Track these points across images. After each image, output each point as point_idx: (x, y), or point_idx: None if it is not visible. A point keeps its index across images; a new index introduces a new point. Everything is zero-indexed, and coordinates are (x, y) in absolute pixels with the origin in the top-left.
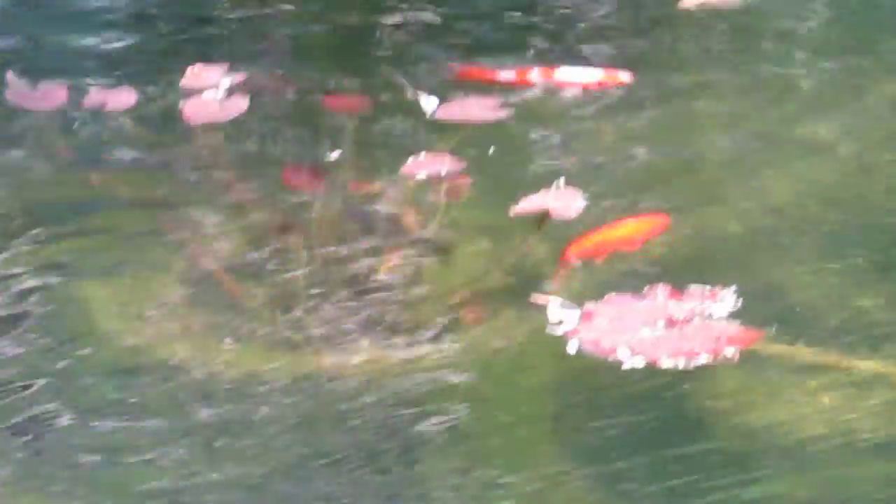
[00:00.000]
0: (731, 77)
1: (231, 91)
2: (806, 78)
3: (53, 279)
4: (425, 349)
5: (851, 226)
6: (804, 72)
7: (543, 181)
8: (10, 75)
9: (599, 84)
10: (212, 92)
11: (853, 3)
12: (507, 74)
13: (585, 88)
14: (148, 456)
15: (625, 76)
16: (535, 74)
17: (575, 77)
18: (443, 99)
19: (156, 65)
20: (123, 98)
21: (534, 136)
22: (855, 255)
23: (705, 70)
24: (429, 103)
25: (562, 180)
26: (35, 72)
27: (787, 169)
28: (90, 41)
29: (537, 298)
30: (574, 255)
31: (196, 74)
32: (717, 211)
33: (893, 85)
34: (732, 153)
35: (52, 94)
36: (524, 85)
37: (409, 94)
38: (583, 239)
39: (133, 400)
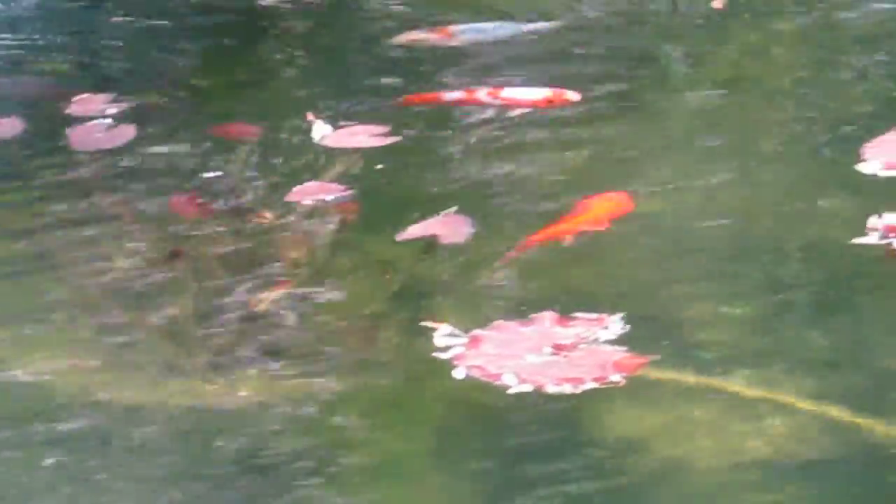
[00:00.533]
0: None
1: (119, 118)
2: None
3: None
4: (311, 378)
5: (740, 245)
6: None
7: (434, 206)
8: None
9: (548, 102)
10: (99, 119)
11: None
12: (454, 95)
13: (534, 107)
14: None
15: (573, 95)
16: (483, 94)
17: (522, 96)
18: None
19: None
20: (8, 127)
21: (428, 161)
22: (744, 276)
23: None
24: (319, 130)
25: (453, 208)
26: None
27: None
28: None
29: (427, 323)
30: (538, 239)
31: (83, 102)
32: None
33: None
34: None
35: None
36: (473, 104)
37: (310, 120)
38: (545, 230)
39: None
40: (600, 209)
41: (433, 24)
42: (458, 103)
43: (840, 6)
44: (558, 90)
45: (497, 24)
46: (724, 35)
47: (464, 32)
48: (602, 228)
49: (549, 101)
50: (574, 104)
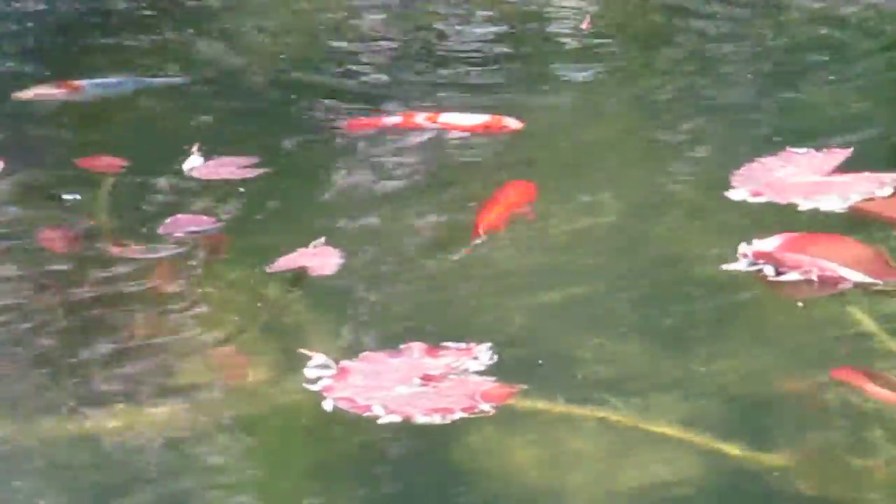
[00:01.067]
0: None
1: None
2: None
3: None
4: (180, 410)
5: (611, 273)
6: None
7: (305, 239)
8: None
9: (485, 128)
10: None
11: None
12: (393, 120)
13: (472, 132)
14: None
15: (512, 122)
16: (422, 118)
17: (460, 121)
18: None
19: None
20: None
21: (298, 192)
22: (614, 304)
23: None
24: (190, 162)
25: (321, 239)
26: None
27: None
28: None
29: (303, 351)
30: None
31: None
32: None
33: None
34: None
35: None
36: (412, 128)
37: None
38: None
39: None
40: (517, 195)
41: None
42: (398, 127)
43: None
44: (497, 117)
45: (121, 79)
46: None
47: (91, 87)
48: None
49: (487, 127)
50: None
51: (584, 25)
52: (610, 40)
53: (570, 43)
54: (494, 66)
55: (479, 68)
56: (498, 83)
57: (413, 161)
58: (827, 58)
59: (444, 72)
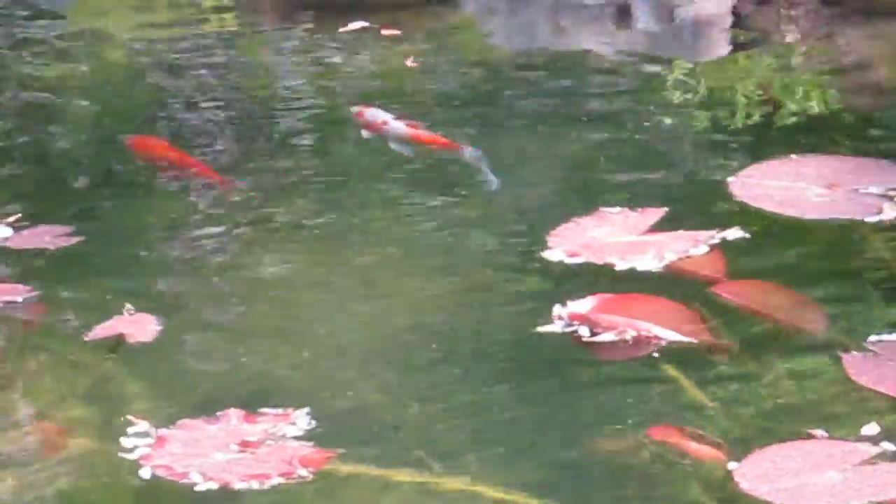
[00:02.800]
0: None
1: None
2: None
3: None
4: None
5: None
6: None
7: (114, 305)
8: None
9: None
10: None
11: None
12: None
13: None
14: None
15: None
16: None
17: None
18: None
19: None
20: None
21: (108, 258)
22: (433, 366)
23: None
24: (2, 232)
25: (129, 306)
26: None
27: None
28: None
29: (129, 417)
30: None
31: None
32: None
33: None
34: None
35: None
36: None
37: None
38: None
39: None
40: None
41: None
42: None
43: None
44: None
45: None
46: None
47: None
48: None
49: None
50: None
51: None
52: None
53: None
54: None
55: None
56: None
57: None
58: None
59: None
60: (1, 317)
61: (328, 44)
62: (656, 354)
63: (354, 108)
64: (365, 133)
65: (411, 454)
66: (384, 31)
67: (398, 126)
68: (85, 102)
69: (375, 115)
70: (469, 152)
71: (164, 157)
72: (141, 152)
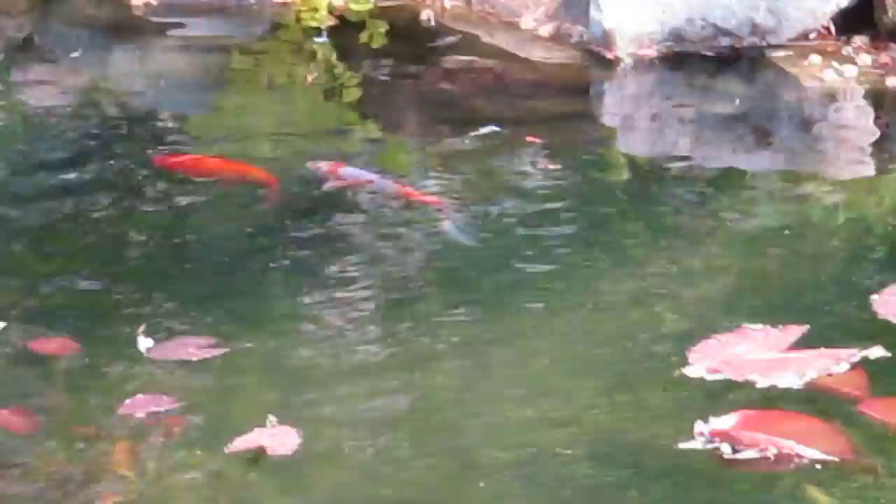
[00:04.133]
0: None
1: None
2: None
3: None
4: None
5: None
6: None
7: (259, 419)
8: None
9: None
10: None
11: None
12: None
13: None
14: None
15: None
16: None
17: None
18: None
19: None
20: None
21: (249, 368)
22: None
23: None
24: (144, 343)
25: (273, 418)
26: None
27: None
28: None
29: None
30: None
31: None
32: None
33: None
34: None
35: None
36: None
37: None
38: None
39: None
40: None
41: None
42: None
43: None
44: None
45: None
46: None
47: None
48: None
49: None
50: None
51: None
52: None
53: None
54: None
55: None
56: None
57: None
58: None
59: None
60: (143, 427)
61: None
62: (798, 472)
63: (321, 164)
64: (327, 186)
65: None
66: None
67: (387, 183)
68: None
69: (355, 173)
70: (450, 217)
71: (200, 167)
72: (175, 169)
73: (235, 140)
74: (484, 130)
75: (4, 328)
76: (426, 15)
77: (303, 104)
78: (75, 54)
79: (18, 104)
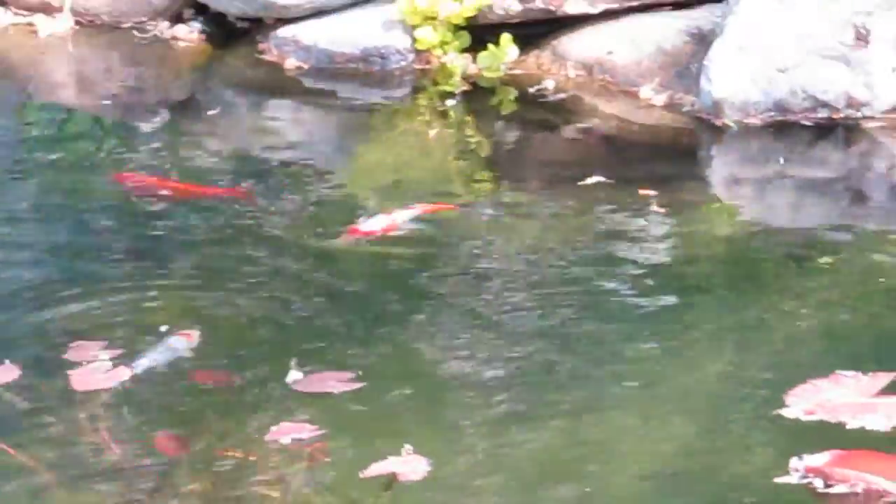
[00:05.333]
0: None
1: (114, 363)
2: None
3: None
4: None
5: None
6: None
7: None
8: None
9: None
10: (95, 363)
11: None
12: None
13: None
14: None
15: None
16: None
17: None
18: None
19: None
20: (6, 373)
21: (384, 401)
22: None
23: None
24: (293, 375)
25: (408, 446)
26: None
27: None
28: None
29: None
30: None
31: (78, 349)
32: None
33: None
34: None
35: None
36: None
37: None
38: None
39: None
40: None
41: None
42: None
43: None
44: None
45: None
46: None
47: None
48: None
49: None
50: None
51: None
52: None
53: None
54: None
55: None
56: None
57: None
58: None
59: None
60: (287, 452)
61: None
62: None
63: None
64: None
65: None
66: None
67: (407, 213)
68: None
69: (377, 221)
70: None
71: (165, 188)
72: (136, 188)
73: (372, 188)
74: (590, 181)
75: (176, 359)
76: (548, 84)
77: (434, 158)
78: (213, 112)
79: (178, 156)
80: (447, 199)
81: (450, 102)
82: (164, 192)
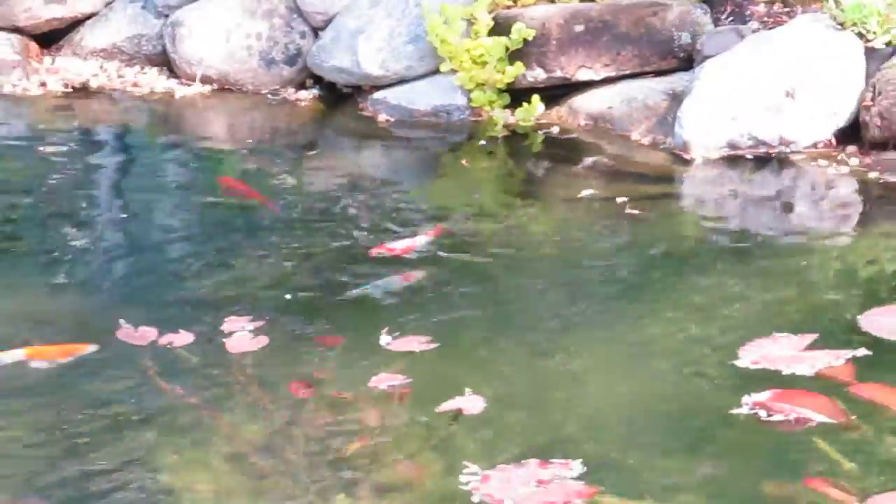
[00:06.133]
0: None
1: (255, 332)
2: None
3: None
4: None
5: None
6: None
7: (455, 388)
8: (122, 322)
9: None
10: (242, 332)
11: None
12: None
13: None
14: None
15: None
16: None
17: None
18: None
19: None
20: (184, 338)
21: (457, 360)
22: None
23: None
24: (385, 339)
25: (468, 390)
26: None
27: None
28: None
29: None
30: None
31: (231, 321)
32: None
33: None
34: None
35: (146, 335)
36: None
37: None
38: None
39: None
40: None
41: None
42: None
43: None
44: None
45: None
46: None
47: None
48: None
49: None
50: None
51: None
52: None
53: None
54: None
55: None
56: None
57: None
58: None
59: None
60: (383, 394)
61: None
62: (810, 430)
63: (377, 250)
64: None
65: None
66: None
67: (422, 238)
68: None
69: (400, 243)
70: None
71: (237, 189)
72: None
73: (439, 207)
74: (584, 194)
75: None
76: (554, 129)
77: (483, 185)
78: (312, 153)
79: (304, 184)
80: (493, 209)
81: (493, 144)
82: (240, 194)
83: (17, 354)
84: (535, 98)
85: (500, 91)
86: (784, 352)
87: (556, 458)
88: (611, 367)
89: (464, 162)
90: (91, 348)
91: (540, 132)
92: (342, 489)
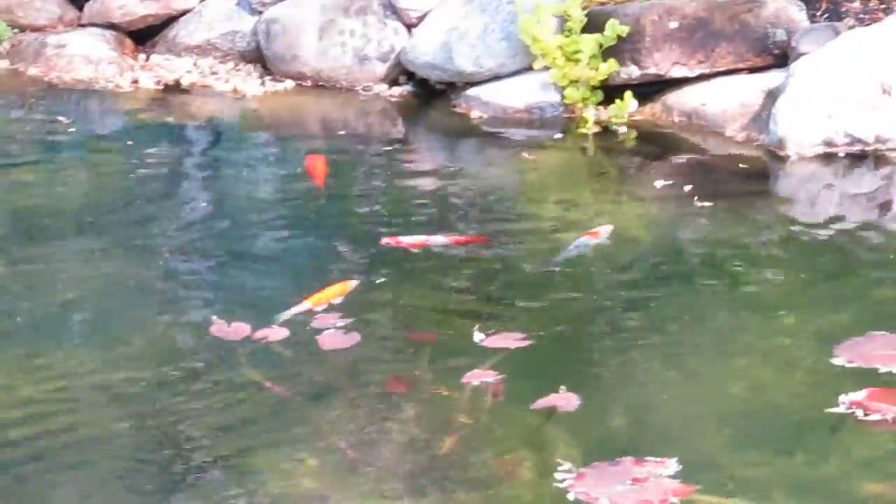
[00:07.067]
0: None
1: (347, 329)
2: None
3: None
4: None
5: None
6: None
7: (550, 386)
8: (214, 318)
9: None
10: (333, 328)
11: None
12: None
13: None
14: None
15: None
16: None
17: None
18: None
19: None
20: (278, 332)
21: (551, 358)
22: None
23: None
24: (478, 336)
25: (562, 388)
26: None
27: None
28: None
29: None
30: None
31: (321, 318)
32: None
33: None
34: None
35: (239, 330)
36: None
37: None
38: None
39: None
40: None
41: None
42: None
43: None
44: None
45: None
46: None
47: None
48: None
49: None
50: None
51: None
52: None
53: None
54: None
55: None
56: None
57: None
58: None
59: None
60: (475, 391)
61: None
62: None
63: (386, 240)
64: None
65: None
66: None
67: (439, 239)
68: None
69: (412, 239)
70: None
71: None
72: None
73: (533, 201)
74: (658, 185)
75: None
76: (622, 129)
77: (578, 180)
78: (403, 147)
79: (394, 180)
80: (581, 201)
81: (585, 141)
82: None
83: (304, 306)
84: (628, 94)
85: (594, 88)
86: (881, 350)
87: (652, 456)
88: (706, 363)
89: (555, 158)
90: (353, 283)
91: (633, 129)
92: (436, 485)
